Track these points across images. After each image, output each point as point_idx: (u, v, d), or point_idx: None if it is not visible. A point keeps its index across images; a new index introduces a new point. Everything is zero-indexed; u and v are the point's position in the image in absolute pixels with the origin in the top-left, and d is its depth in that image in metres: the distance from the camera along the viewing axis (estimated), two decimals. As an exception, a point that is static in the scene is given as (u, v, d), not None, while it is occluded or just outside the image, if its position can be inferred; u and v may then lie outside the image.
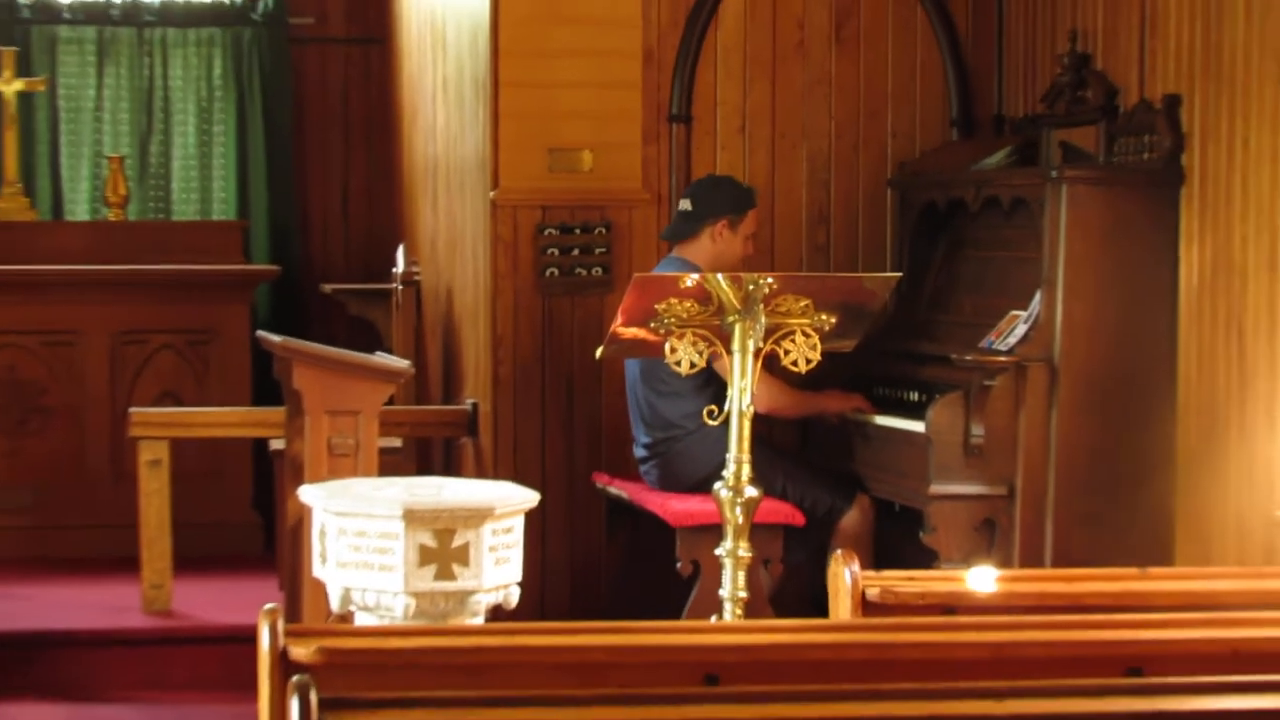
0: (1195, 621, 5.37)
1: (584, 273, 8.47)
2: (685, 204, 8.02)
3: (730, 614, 6.25)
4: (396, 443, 8.73)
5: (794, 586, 7.60)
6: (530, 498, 6.55)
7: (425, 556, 6.29)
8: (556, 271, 8.48)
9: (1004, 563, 7.02)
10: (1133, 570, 6.55)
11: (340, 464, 7.31)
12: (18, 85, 10.89)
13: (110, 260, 10.37)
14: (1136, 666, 4.86)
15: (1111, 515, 7.24)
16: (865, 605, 5.53)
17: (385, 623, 6.24)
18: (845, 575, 5.61)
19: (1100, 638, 5.08)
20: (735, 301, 6.19)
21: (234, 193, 11.42)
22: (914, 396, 7.60)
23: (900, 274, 7.60)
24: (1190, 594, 5.90)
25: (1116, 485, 7.25)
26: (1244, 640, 5.17)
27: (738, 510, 6.22)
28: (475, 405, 8.74)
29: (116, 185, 10.97)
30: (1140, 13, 7.55)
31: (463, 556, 6.32)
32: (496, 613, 6.43)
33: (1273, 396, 6.68)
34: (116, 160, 11.05)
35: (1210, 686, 4.51)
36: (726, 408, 6.27)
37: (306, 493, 6.66)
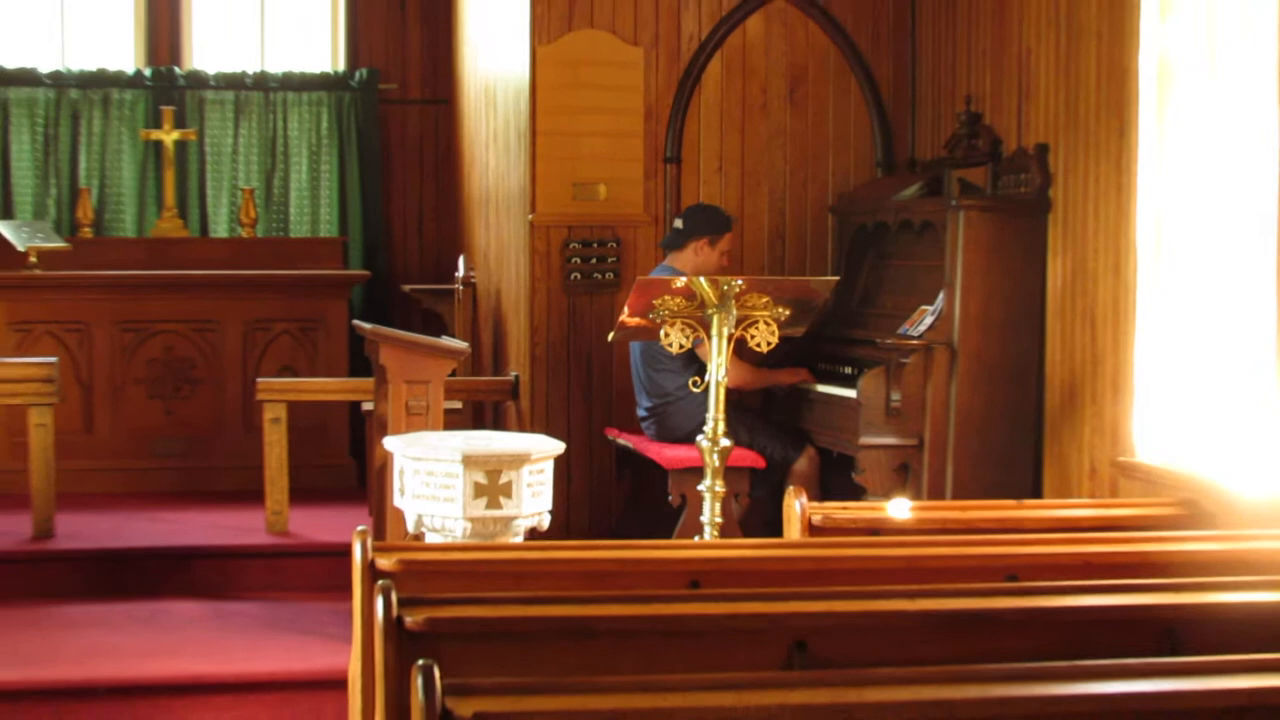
0: (1058, 540, 5.38)
1: (599, 277, 8.46)
2: (678, 223, 7.99)
3: (709, 534, 6.25)
4: (457, 405, 8.70)
5: (757, 514, 7.59)
6: (558, 447, 6.54)
7: (478, 491, 6.29)
8: (579, 276, 8.46)
9: (915, 496, 7.01)
10: (1011, 501, 6.58)
11: (415, 421, 7.30)
12: (175, 135, 10.89)
13: (243, 267, 10.39)
14: (1014, 574, 4.88)
15: (995, 460, 7.22)
16: (811, 528, 5.54)
17: (448, 540, 6.24)
18: (796, 506, 5.61)
19: (987, 552, 5.09)
20: (714, 298, 6.18)
21: (336, 216, 11.39)
22: (848, 370, 7.57)
23: (838, 278, 7.55)
24: (1054, 519, 5.91)
25: (999, 437, 7.24)
26: (1095, 554, 5.19)
27: (715, 456, 6.22)
28: (517, 376, 8.71)
29: (248, 210, 10.97)
30: (1018, 81, 7.53)
31: (507, 491, 6.32)
32: (533, 533, 6.43)
33: (1117, 372, 6.67)
34: (248, 192, 11.05)
35: (1069, 589, 4.52)
36: (707, 379, 6.29)
37: (389, 442, 6.67)
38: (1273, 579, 4.80)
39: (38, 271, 10.03)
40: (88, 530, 8.70)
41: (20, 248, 10.09)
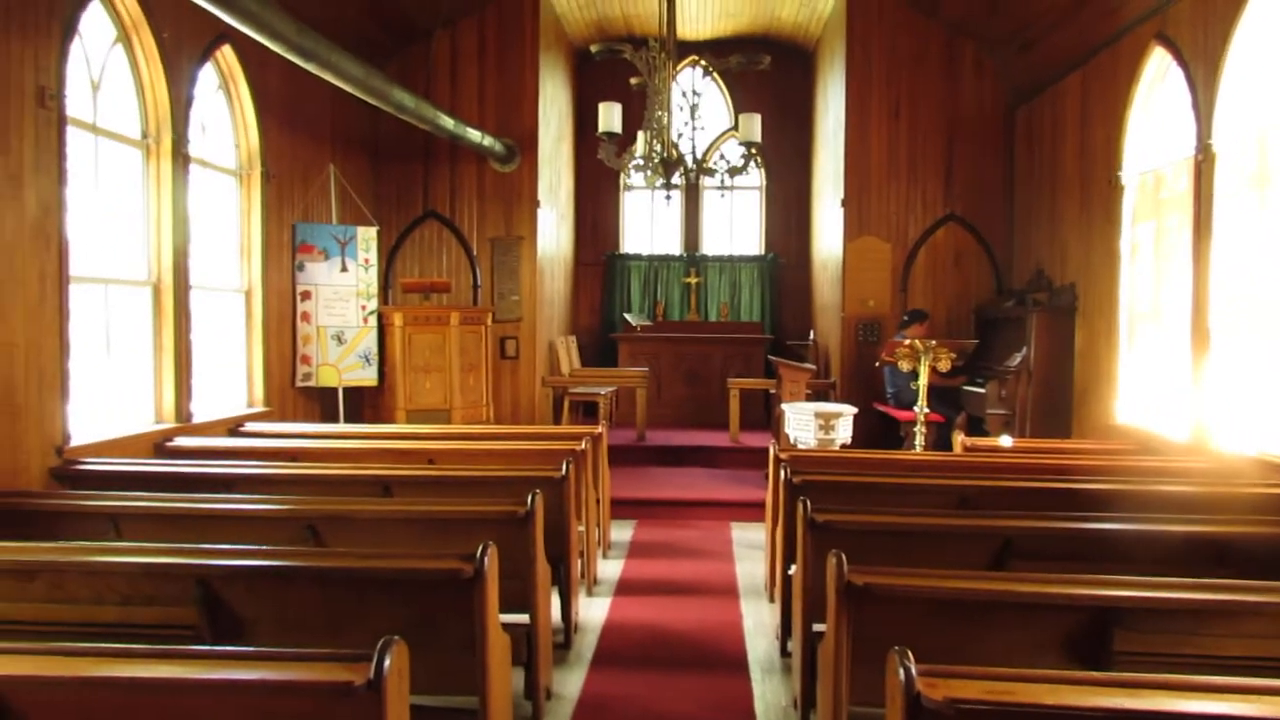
0: (1052, 455, 5.06)
1: (871, 339, 8.23)
2: (905, 316, 7.68)
3: (918, 448, 6.06)
4: (809, 391, 8.60)
5: (940, 441, 7.23)
6: (853, 409, 6.48)
7: (819, 426, 6.33)
8: (862, 338, 8.28)
9: (1011, 435, 6.65)
10: (1058, 440, 6.14)
11: (792, 397, 7.38)
12: (695, 280, 11.09)
13: (722, 334, 10.46)
14: (1065, 473, 4.62)
15: (1048, 418, 6.79)
16: (965, 448, 5.31)
17: (806, 448, 6.29)
18: (958, 439, 5.36)
19: (1043, 462, 4.83)
20: (921, 349, 6.10)
21: (759, 312, 11.38)
22: (980, 380, 7.16)
23: (977, 341, 7.18)
24: (1075, 449, 5.54)
25: (1048, 411, 6.76)
26: (1070, 463, 4.84)
27: (921, 416, 6.07)
28: (835, 380, 8.53)
29: (723, 310, 11.14)
30: (1061, 254, 7.03)
31: (833, 427, 6.34)
32: (842, 446, 6.41)
33: (1110, 375, 6.23)
34: (724, 303, 11.18)
35: (1016, 478, 4.27)
36: (918, 382, 6.18)
37: (784, 405, 6.76)
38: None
39: (639, 334, 10.39)
40: (657, 437, 8.98)
41: (634, 324, 10.56)
